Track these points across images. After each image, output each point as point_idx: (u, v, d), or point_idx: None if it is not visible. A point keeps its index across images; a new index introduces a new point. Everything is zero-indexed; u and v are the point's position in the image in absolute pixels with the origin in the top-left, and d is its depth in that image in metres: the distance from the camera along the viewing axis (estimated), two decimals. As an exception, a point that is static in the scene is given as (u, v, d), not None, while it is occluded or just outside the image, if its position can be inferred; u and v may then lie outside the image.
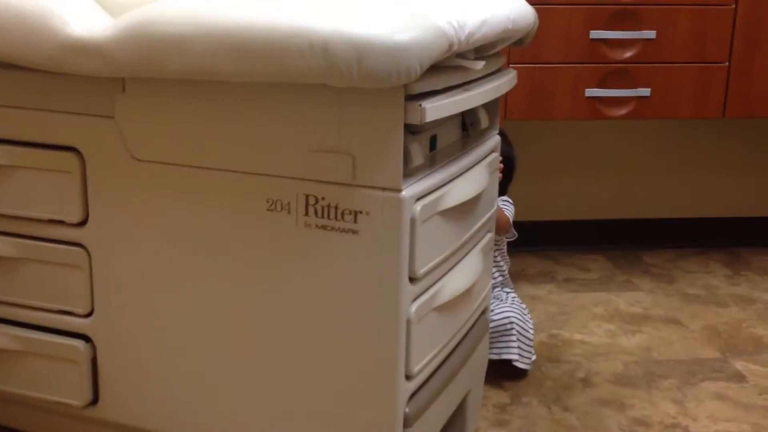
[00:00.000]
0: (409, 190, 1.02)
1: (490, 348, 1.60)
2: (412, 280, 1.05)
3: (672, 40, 1.99)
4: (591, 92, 1.98)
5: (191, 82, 1.08)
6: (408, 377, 1.08)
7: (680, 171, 2.45)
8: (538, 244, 2.41)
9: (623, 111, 2.01)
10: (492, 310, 1.62)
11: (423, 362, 1.11)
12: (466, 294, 1.23)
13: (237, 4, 1.03)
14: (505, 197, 1.81)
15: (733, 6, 1.99)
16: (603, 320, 1.97)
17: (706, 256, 2.40)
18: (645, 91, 2.00)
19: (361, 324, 1.06)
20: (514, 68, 1.41)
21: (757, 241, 2.50)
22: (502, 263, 1.76)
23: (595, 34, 1.95)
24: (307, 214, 1.05)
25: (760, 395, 1.64)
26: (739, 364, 1.76)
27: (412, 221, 1.03)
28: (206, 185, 1.11)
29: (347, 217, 1.03)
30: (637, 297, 2.11)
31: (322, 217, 1.04)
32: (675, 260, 2.37)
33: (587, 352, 1.81)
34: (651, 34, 1.96)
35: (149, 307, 1.19)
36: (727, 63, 2.02)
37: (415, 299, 1.07)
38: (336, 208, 1.03)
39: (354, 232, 1.03)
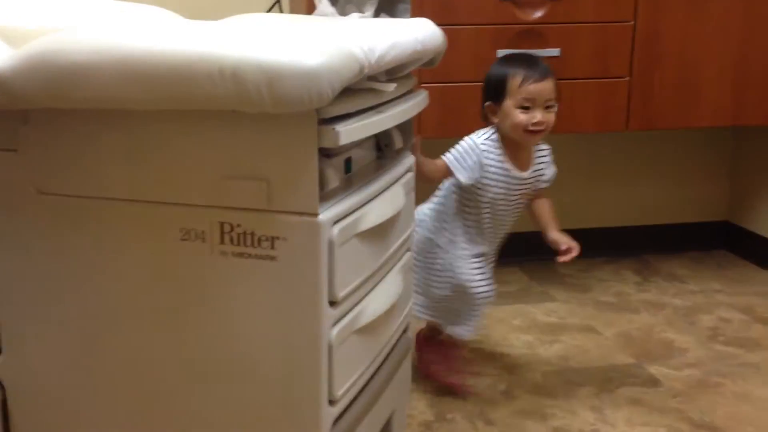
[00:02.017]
0: (326, 214, 1.02)
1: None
2: (332, 303, 1.05)
3: (575, 57, 2.05)
4: (501, 109, 2.02)
5: (98, 111, 1.05)
6: (331, 402, 1.07)
7: (589, 183, 2.53)
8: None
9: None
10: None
11: (346, 386, 1.10)
12: (387, 314, 1.23)
13: (144, 32, 1.01)
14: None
15: (632, 22, 2.07)
16: (522, 332, 2.01)
17: (617, 265, 2.48)
18: (551, 107, 2.05)
19: (283, 350, 1.04)
20: (426, 88, 1.43)
21: (664, 247, 2.59)
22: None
23: (502, 53, 1.99)
24: (222, 242, 1.03)
25: (673, 398, 1.70)
26: (653, 369, 1.82)
27: (330, 245, 1.03)
28: (116, 217, 1.08)
29: (264, 244, 1.02)
30: (554, 307, 2.16)
31: (238, 244, 1.03)
32: (588, 269, 2.44)
33: (508, 364, 1.83)
34: (555, 51, 2.02)
35: (60, 347, 1.14)
36: (628, 77, 2.10)
37: (335, 323, 1.06)
38: (252, 234, 1.02)
39: (271, 258, 1.02)
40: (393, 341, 1.31)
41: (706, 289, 2.30)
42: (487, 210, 1.65)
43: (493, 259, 1.73)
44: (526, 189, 1.67)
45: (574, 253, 1.61)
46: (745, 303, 2.19)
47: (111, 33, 1.02)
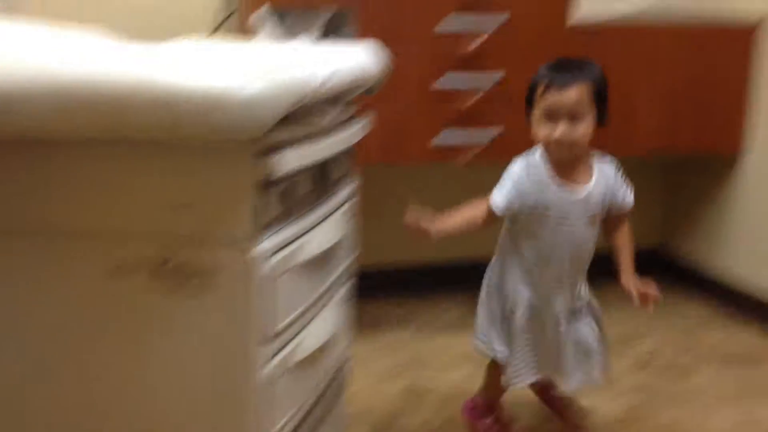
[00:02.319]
0: (263, 245, 0.99)
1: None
2: (268, 338, 1.02)
3: (517, 84, 2.06)
4: (444, 135, 2.02)
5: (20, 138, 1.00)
6: (266, 441, 1.03)
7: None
8: (396, 289, 2.42)
9: (474, 153, 2.07)
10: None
11: (281, 423, 1.07)
12: (325, 348, 1.20)
13: (77, 58, 0.97)
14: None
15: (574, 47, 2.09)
16: (460, 363, 1.99)
17: (555, 292, 2.49)
18: (493, 134, 2.06)
19: (216, 387, 1.01)
20: (368, 114, 1.41)
21: (598, 274, 2.61)
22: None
23: (444, 79, 2.00)
24: (154, 277, 0.99)
25: (605, 426, 1.70)
26: (586, 399, 1.82)
27: (266, 277, 0.99)
28: (43, 251, 1.02)
29: (198, 278, 0.98)
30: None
31: (171, 278, 0.99)
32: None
33: (445, 396, 1.82)
34: (497, 78, 2.03)
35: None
36: (567, 106, 2.12)
37: (271, 358, 1.03)
38: (185, 268, 0.98)
39: (205, 292, 0.98)
40: (330, 375, 1.28)
41: (639, 316, 2.33)
42: (547, 240, 1.47)
43: (573, 308, 1.54)
44: (591, 211, 1.47)
45: (650, 299, 1.47)
46: (677, 331, 2.23)
47: (43, 59, 0.97)
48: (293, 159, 1.02)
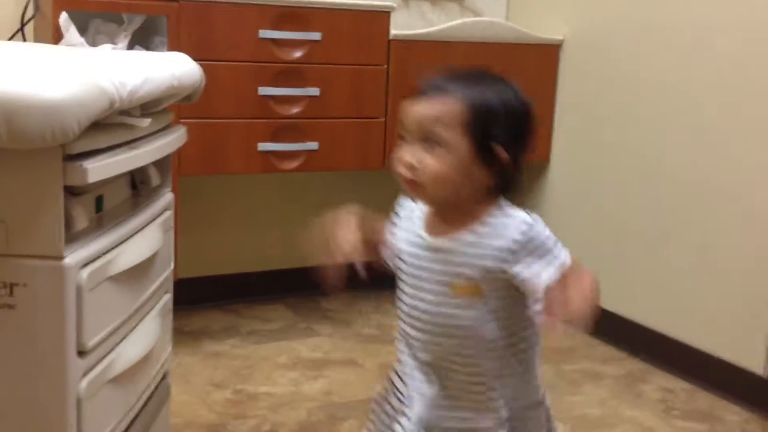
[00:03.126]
0: (73, 257, 0.96)
1: None
2: (81, 353, 0.98)
3: (334, 97, 2.11)
4: (263, 146, 2.03)
5: None
6: (82, 459, 0.99)
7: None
8: (219, 298, 2.39)
9: (294, 164, 2.09)
10: None
11: (98, 440, 1.03)
12: (144, 361, 1.17)
13: None
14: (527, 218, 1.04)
15: (385, 66, 2.17)
16: (286, 369, 2.00)
17: (378, 297, 2.56)
18: (313, 145, 2.09)
19: (26, 406, 0.96)
20: (186, 124, 1.40)
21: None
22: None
23: (263, 90, 2.00)
24: (-47, 289, 0.93)
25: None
26: (412, 397, 1.89)
27: (78, 290, 0.96)
28: None
29: (1, 291, 0.93)
30: (318, 342, 2.18)
31: (-27, 291, 0.93)
32: (351, 303, 2.49)
33: (272, 403, 1.82)
34: (315, 91, 2.07)
35: None
36: (383, 118, 2.20)
37: (85, 374, 0.99)
38: (-11, 280, 0.93)
39: (10, 306, 0.93)
40: (150, 389, 1.25)
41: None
42: (407, 300, 1.13)
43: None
44: (453, 274, 1.04)
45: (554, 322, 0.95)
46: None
47: None
48: (105, 166, 1.00)
